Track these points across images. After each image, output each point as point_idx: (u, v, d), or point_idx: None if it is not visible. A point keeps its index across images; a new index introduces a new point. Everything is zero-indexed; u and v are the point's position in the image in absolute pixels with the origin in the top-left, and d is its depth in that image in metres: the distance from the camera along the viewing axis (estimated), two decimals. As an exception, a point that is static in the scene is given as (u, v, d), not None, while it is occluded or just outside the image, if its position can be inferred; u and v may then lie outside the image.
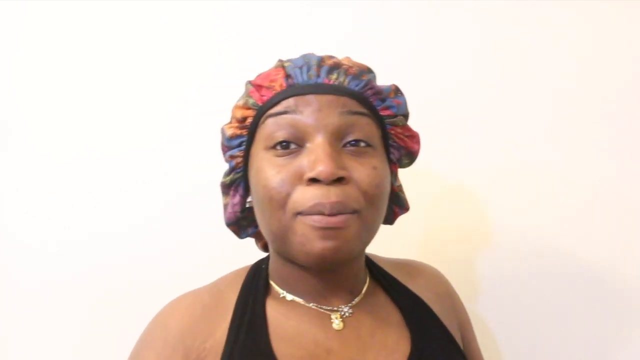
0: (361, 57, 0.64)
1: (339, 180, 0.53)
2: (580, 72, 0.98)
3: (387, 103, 0.60)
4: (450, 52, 0.99)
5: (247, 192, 0.63)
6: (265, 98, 0.59)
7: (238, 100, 0.62)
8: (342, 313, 0.60)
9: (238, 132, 0.61)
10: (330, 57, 0.60)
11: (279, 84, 0.58)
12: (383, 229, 0.62)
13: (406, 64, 0.97)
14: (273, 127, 0.57)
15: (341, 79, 0.58)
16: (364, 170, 0.55)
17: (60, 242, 0.94)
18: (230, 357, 0.55)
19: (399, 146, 0.62)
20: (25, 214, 0.94)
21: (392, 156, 0.62)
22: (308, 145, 0.55)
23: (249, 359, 0.55)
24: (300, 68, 0.58)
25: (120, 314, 0.92)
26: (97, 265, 0.94)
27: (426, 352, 0.59)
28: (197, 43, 0.98)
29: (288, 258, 0.58)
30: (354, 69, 0.59)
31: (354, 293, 0.62)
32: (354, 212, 0.54)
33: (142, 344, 0.59)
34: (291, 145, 0.56)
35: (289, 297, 0.61)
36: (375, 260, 0.70)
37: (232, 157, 0.61)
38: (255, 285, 0.62)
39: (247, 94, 0.61)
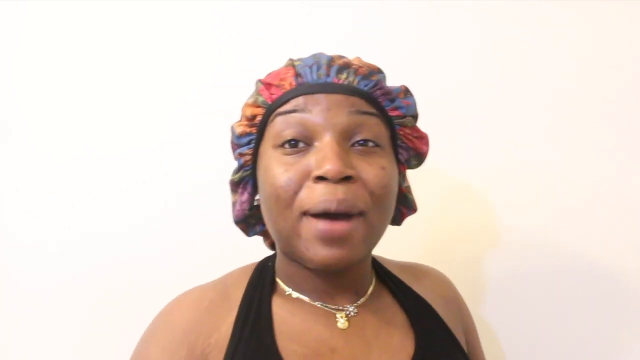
0: (361, 57, 0.64)
1: (346, 179, 0.54)
2: (580, 72, 0.98)
3: (396, 103, 0.60)
4: (450, 52, 0.99)
5: (255, 190, 0.63)
6: (274, 96, 0.59)
7: (248, 99, 0.62)
8: (348, 312, 0.60)
9: (247, 130, 0.61)
10: (341, 56, 0.60)
11: (289, 82, 0.59)
12: (387, 229, 0.61)
13: (406, 64, 0.97)
14: (282, 126, 0.57)
15: (351, 79, 0.58)
16: (372, 170, 0.55)
17: (60, 242, 0.94)
18: (234, 353, 0.55)
19: (408, 147, 0.62)
20: (25, 214, 0.94)
21: (400, 157, 0.62)
22: (316, 144, 0.56)
23: (253, 355, 0.55)
24: (310, 67, 0.58)
25: (120, 314, 0.92)
26: (97, 265, 0.94)
27: (430, 353, 0.59)
28: (197, 43, 0.98)
29: (294, 259, 0.58)
30: (363, 69, 0.59)
31: (359, 293, 0.62)
32: (360, 213, 0.54)
33: (147, 338, 0.60)
34: (299, 143, 0.56)
35: (295, 294, 0.61)
36: (382, 262, 0.70)
37: (241, 154, 0.62)
38: (261, 283, 0.62)
39: (257, 92, 0.61)
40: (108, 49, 0.97)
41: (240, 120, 0.62)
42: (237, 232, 0.93)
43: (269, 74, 0.62)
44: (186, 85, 0.98)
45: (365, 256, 0.61)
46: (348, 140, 0.56)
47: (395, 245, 0.74)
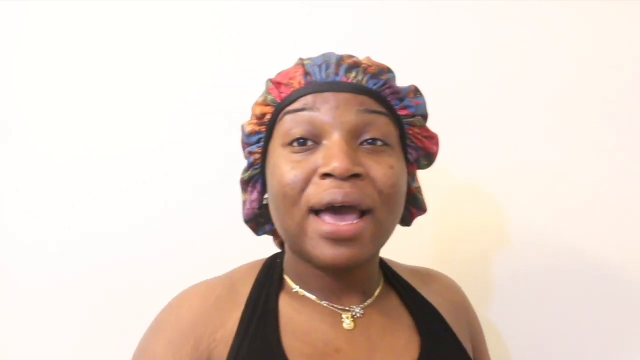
0: (370, 57, 0.63)
1: (354, 177, 0.54)
2: (580, 72, 0.98)
3: (405, 103, 0.60)
4: (450, 52, 0.99)
5: (264, 188, 0.63)
6: (283, 95, 0.59)
7: (258, 98, 0.62)
8: (354, 313, 0.60)
9: (257, 128, 0.61)
10: (350, 56, 0.60)
11: (298, 81, 0.59)
12: (397, 229, 0.61)
13: (406, 64, 0.96)
14: (290, 124, 0.57)
15: (359, 78, 0.58)
16: (381, 169, 0.55)
17: (60, 242, 0.94)
18: (239, 348, 0.55)
19: (417, 147, 0.62)
20: (25, 214, 0.94)
21: (409, 156, 0.62)
22: (325, 142, 0.56)
23: (258, 352, 0.55)
24: (319, 66, 0.59)
25: (120, 314, 0.92)
26: (97, 265, 0.94)
27: (434, 358, 0.59)
28: (197, 43, 0.98)
29: (302, 257, 0.58)
30: (372, 68, 0.59)
31: (366, 294, 0.62)
32: (368, 210, 0.54)
33: (153, 331, 0.60)
34: (308, 142, 0.56)
35: (302, 292, 0.61)
36: (391, 265, 0.70)
37: (251, 153, 0.62)
38: (269, 279, 0.62)
39: (267, 91, 0.61)
40: (108, 49, 0.97)
41: (250, 119, 0.63)
42: (237, 232, 0.93)
43: (279, 73, 0.62)
44: (186, 85, 0.98)
45: (374, 255, 0.61)
46: (356, 139, 0.56)
47: (402, 245, 0.74)
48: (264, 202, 0.63)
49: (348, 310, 0.60)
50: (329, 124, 0.55)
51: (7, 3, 0.96)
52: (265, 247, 0.71)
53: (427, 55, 0.99)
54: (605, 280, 0.95)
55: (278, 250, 0.69)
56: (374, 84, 0.58)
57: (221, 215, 0.95)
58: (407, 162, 0.62)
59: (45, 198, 0.94)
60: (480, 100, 0.98)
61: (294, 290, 0.61)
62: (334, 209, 0.54)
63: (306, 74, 0.59)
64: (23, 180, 0.94)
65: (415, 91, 0.62)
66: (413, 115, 0.61)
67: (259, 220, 0.66)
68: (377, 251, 0.62)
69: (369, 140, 0.56)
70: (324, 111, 0.56)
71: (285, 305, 0.60)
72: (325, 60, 0.59)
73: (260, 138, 0.61)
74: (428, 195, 0.68)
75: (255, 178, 0.63)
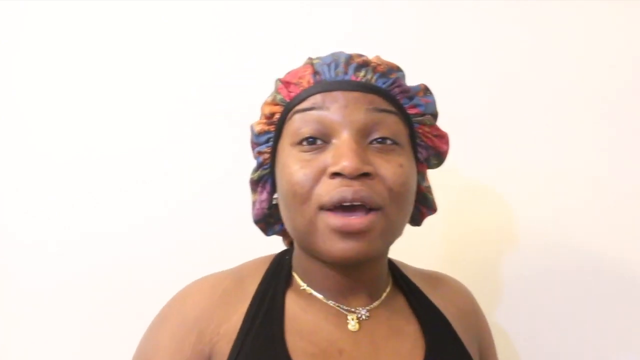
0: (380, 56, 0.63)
1: (364, 176, 0.54)
2: (580, 72, 0.98)
3: (415, 101, 0.60)
4: (450, 52, 0.99)
5: (274, 188, 0.63)
6: (292, 94, 0.59)
7: (267, 97, 0.62)
8: (359, 315, 0.59)
9: (266, 128, 0.61)
10: (359, 55, 0.60)
11: (307, 80, 0.59)
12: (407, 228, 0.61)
13: (406, 64, 0.96)
14: (299, 123, 0.57)
15: (369, 77, 0.58)
16: (390, 168, 0.55)
17: (60, 242, 0.94)
18: (243, 344, 0.55)
19: (427, 146, 0.62)
20: (25, 214, 0.94)
21: (419, 155, 0.62)
22: (334, 141, 0.56)
23: (261, 349, 0.55)
24: (328, 65, 0.59)
25: (120, 314, 0.92)
26: (97, 265, 0.94)
27: None
28: (197, 43, 0.98)
29: (312, 254, 0.58)
30: (382, 67, 0.59)
31: (373, 296, 0.62)
32: (378, 208, 0.54)
33: (158, 322, 0.60)
34: (317, 141, 0.56)
35: (309, 290, 0.61)
36: (401, 268, 0.69)
37: (260, 153, 0.62)
38: (277, 276, 0.62)
39: (276, 91, 0.61)
40: (108, 49, 0.97)
41: (259, 119, 0.62)
42: (237, 232, 0.94)
43: (288, 73, 0.62)
44: (186, 85, 0.97)
45: (383, 252, 0.60)
46: (366, 138, 0.56)
47: (412, 245, 0.73)
48: (274, 202, 0.63)
49: (354, 312, 0.60)
50: (339, 123, 0.55)
51: (7, 3, 0.96)
52: (266, 247, 0.71)
53: (427, 55, 0.99)
54: (620, 281, 0.95)
55: (278, 250, 0.69)
56: (384, 83, 0.58)
57: (221, 215, 0.95)
58: (417, 161, 0.61)
59: (45, 198, 0.94)
60: (480, 101, 0.98)
61: (301, 288, 0.61)
62: (344, 207, 0.54)
63: (315, 73, 0.59)
64: (23, 180, 0.94)
65: (425, 90, 0.62)
66: (423, 114, 0.60)
67: (268, 220, 0.65)
68: (386, 250, 0.62)
69: (379, 139, 0.56)
70: (334, 110, 0.56)
71: (291, 303, 0.60)
72: (334, 59, 0.59)
73: (269, 138, 0.61)
74: (438, 195, 0.68)
75: (264, 178, 0.63)
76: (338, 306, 0.60)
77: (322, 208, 0.54)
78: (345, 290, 0.60)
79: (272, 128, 0.61)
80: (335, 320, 0.59)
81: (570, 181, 0.97)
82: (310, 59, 0.61)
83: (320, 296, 0.60)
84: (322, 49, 0.66)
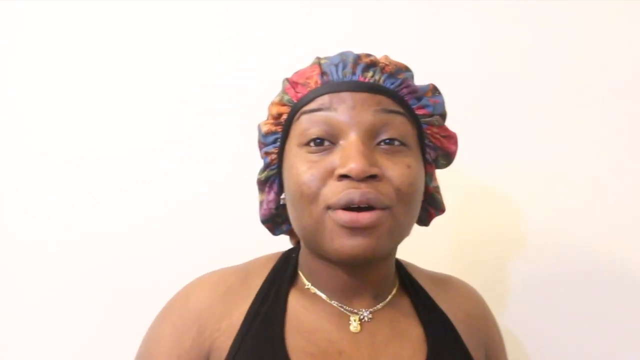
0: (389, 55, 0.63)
1: (371, 178, 0.53)
2: (580, 72, 0.98)
3: (423, 102, 0.60)
4: (450, 52, 0.99)
5: (281, 189, 0.63)
6: (300, 95, 0.59)
7: (275, 97, 0.62)
8: (362, 317, 0.59)
9: (273, 128, 0.61)
10: (368, 55, 0.60)
11: (314, 81, 0.58)
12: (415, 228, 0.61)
13: (406, 64, 0.97)
14: (307, 124, 0.57)
15: (377, 77, 0.58)
16: (398, 169, 0.55)
17: (60, 242, 0.94)
18: (242, 341, 0.56)
19: (435, 146, 0.62)
20: (25, 214, 0.94)
21: (427, 156, 0.61)
22: (341, 142, 0.55)
23: (259, 347, 0.55)
24: (336, 65, 0.58)
25: (120, 314, 0.92)
26: (97, 265, 0.94)
27: None
28: (197, 43, 0.98)
29: (319, 254, 0.58)
30: (390, 67, 0.59)
31: (378, 298, 0.61)
32: (386, 208, 0.54)
33: (162, 315, 0.62)
34: (325, 142, 0.56)
35: (313, 290, 0.61)
36: (411, 271, 0.68)
37: (267, 153, 0.62)
38: (282, 274, 0.62)
39: (283, 91, 0.61)
40: (108, 49, 0.97)
41: (267, 119, 0.62)
42: (237, 232, 0.94)
43: (296, 72, 0.62)
44: (186, 85, 0.97)
45: (390, 251, 0.60)
46: (373, 139, 0.56)
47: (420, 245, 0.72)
48: (281, 202, 0.63)
49: (356, 313, 0.59)
50: (346, 124, 0.55)
51: (7, 3, 0.96)
52: (266, 247, 0.71)
53: (427, 55, 0.99)
54: (629, 282, 0.94)
55: (278, 250, 0.69)
56: (391, 84, 0.58)
57: (221, 215, 0.95)
58: (426, 161, 0.61)
59: (45, 198, 0.94)
60: (480, 101, 0.98)
61: (305, 287, 0.61)
62: (351, 208, 0.54)
63: (323, 73, 0.58)
64: (23, 180, 0.94)
65: (434, 90, 0.61)
66: (431, 115, 0.60)
67: (276, 220, 0.65)
68: (393, 251, 0.61)
69: (386, 140, 0.56)
70: (341, 111, 0.56)
71: (294, 301, 0.60)
72: (342, 60, 0.59)
73: (276, 138, 0.61)
74: (446, 195, 0.68)
75: (272, 178, 0.63)
76: (341, 306, 0.60)
77: (330, 208, 0.54)
78: (350, 291, 0.60)
79: (279, 128, 0.60)
80: (337, 320, 0.59)
81: (571, 181, 0.97)
82: (318, 58, 0.61)
83: (323, 296, 0.60)
84: (322, 49, 0.66)
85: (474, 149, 0.97)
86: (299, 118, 0.58)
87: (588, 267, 0.95)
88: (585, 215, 0.96)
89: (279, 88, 0.64)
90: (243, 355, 0.55)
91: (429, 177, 0.63)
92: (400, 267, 0.67)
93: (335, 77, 0.58)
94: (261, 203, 0.65)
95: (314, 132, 0.56)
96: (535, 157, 0.97)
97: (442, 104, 0.61)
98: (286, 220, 0.64)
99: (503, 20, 1.00)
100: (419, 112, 0.60)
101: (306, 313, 0.59)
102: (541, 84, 0.99)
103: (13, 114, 0.95)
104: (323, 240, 0.55)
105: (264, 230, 0.69)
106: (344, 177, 0.53)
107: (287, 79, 0.62)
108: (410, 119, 0.58)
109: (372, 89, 0.57)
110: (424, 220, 0.66)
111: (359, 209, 0.53)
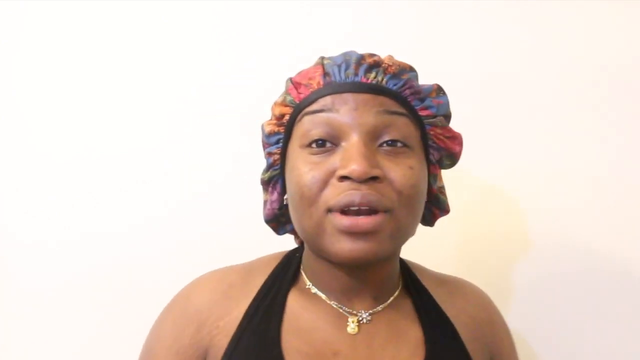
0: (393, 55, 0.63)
1: (372, 179, 0.53)
2: (580, 72, 0.98)
3: (426, 103, 0.59)
4: (450, 52, 0.99)
5: (284, 189, 0.62)
6: (302, 95, 0.59)
7: (278, 98, 0.62)
8: (361, 318, 0.59)
9: (276, 129, 0.61)
10: (371, 55, 0.59)
11: (317, 81, 0.58)
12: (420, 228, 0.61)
13: (410, 64, 0.97)
14: (309, 125, 0.56)
15: (379, 78, 0.57)
16: (400, 171, 0.55)
17: (60, 242, 0.94)
18: (239, 339, 0.56)
19: (439, 147, 0.61)
20: (25, 214, 0.94)
21: (431, 157, 0.61)
22: (343, 144, 0.55)
23: (255, 346, 0.55)
24: (339, 66, 0.58)
25: (120, 314, 0.92)
26: (97, 265, 0.94)
27: None
28: (197, 43, 0.98)
29: (320, 255, 0.58)
30: (393, 68, 0.58)
31: (379, 299, 0.61)
32: (387, 210, 0.54)
33: (164, 312, 0.63)
34: (327, 143, 0.56)
35: (314, 290, 0.61)
36: (417, 272, 0.68)
37: (270, 154, 0.62)
38: (284, 273, 0.62)
39: (286, 91, 0.61)
40: (108, 49, 0.97)
41: (270, 119, 0.62)
42: (237, 232, 0.94)
43: (299, 73, 0.62)
44: (186, 85, 0.97)
45: (392, 253, 0.60)
46: (375, 141, 0.56)
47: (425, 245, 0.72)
48: (285, 202, 0.63)
49: (355, 315, 0.59)
50: (348, 126, 0.55)
51: (7, 3, 0.96)
52: (266, 247, 0.71)
53: (427, 55, 0.99)
54: (629, 282, 0.94)
55: (277, 250, 0.69)
56: (394, 85, 0.58)
57: (221, 215, 0.95)
58: (429, 162, 0.61)
59: (45, 198, 0.94)
60: (480, 101, 0.98)
61: (306, 287, 0.61)
62: (352, 211, 0.53)
63: (325, 74, 0.58)
64: (23, 180, 0.94)
65: (438, 90, 0.61)
66: (434, 116, 0.60)
67: (280, 219, 0.65)
68: (395, 253, 0.61)
69: (389, 142, 0.56)
70: (343, 112, 0.55)
71: (293, 301, 0.60)
72: (345, 60, 0.58)
73: (279, 139, 0.61)
74: (451, 196, 0.67)
75: (275, 179, 0.63)
76: (340, 307, 0.59)
77: (330, 210, 0.54)
78: (350, 292, 0.60)
79: (282, 129, 0.60)
80: (335, 321, 0.59)
81: (571, 181, 0.97)
82: (321, 58, 0.61)
83: (323, 296, 0.60)
84: (322, 49, 0.66)
85: (474, 149, 0.97)
86: (301, 119, 0.58)
87: (589, 267, 0.95)
88: (585, 215, 0.96)
89: (279, 88, 0.64)
90: (239, 353, 0.55)
91: (433, 177, 0.62)
92: (406, 268, 0.67)
93: (337, 78, 0.57)
94: (265, 203, 0.65)
95: (316, 133, 0.56)
96: (535, 157, 0.97)
97: (446, 104, 0.61)
98: (290, 220, 0.64)
99: (503, 20, 1.00)
100: (422, 113, 0.59)
101: (305, 313, 0.59)
102: (541, 84, 0.99)
103: (13, 114, 0.95)
104: (323, 243, 0.55)
105: (264, 230, 0.69)
106: (345, 178, 0.53)
107: (290, 79, 0.61)
108: (413, 120, 0.58)
109: (375, 90, 0.56)
110: (429, 221, 0.66)
111: (359, 211, 0.53)
